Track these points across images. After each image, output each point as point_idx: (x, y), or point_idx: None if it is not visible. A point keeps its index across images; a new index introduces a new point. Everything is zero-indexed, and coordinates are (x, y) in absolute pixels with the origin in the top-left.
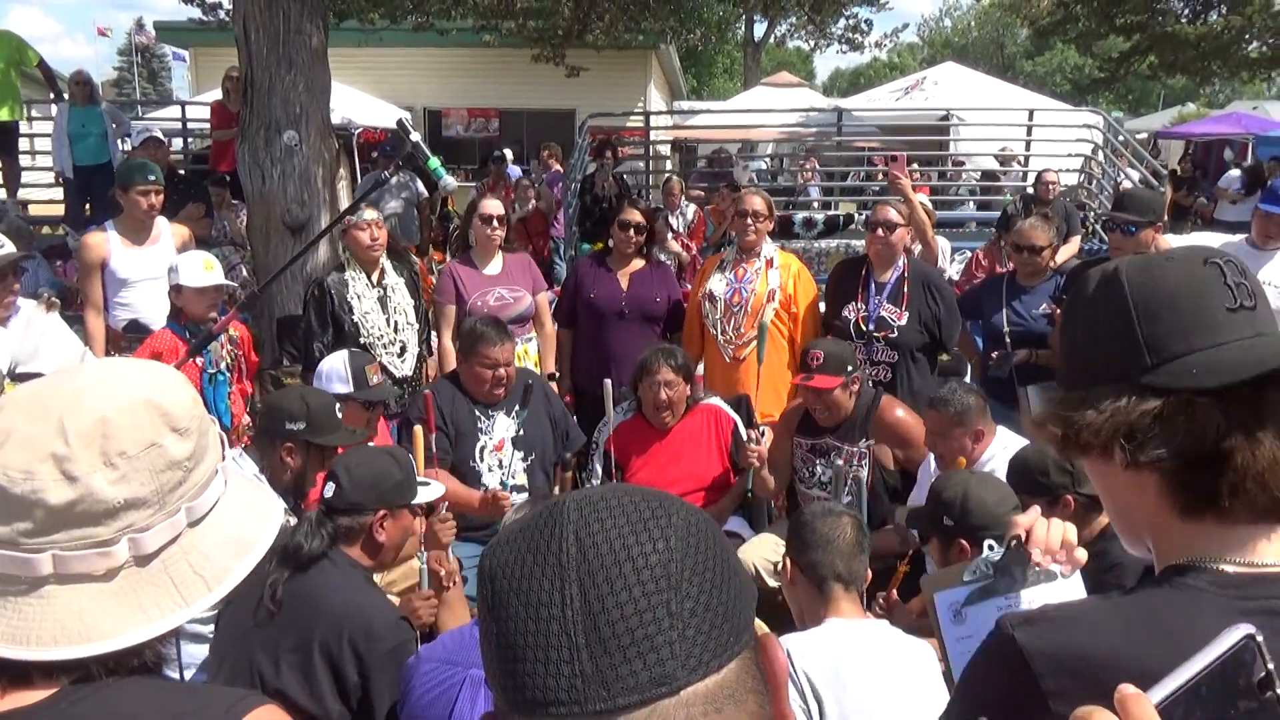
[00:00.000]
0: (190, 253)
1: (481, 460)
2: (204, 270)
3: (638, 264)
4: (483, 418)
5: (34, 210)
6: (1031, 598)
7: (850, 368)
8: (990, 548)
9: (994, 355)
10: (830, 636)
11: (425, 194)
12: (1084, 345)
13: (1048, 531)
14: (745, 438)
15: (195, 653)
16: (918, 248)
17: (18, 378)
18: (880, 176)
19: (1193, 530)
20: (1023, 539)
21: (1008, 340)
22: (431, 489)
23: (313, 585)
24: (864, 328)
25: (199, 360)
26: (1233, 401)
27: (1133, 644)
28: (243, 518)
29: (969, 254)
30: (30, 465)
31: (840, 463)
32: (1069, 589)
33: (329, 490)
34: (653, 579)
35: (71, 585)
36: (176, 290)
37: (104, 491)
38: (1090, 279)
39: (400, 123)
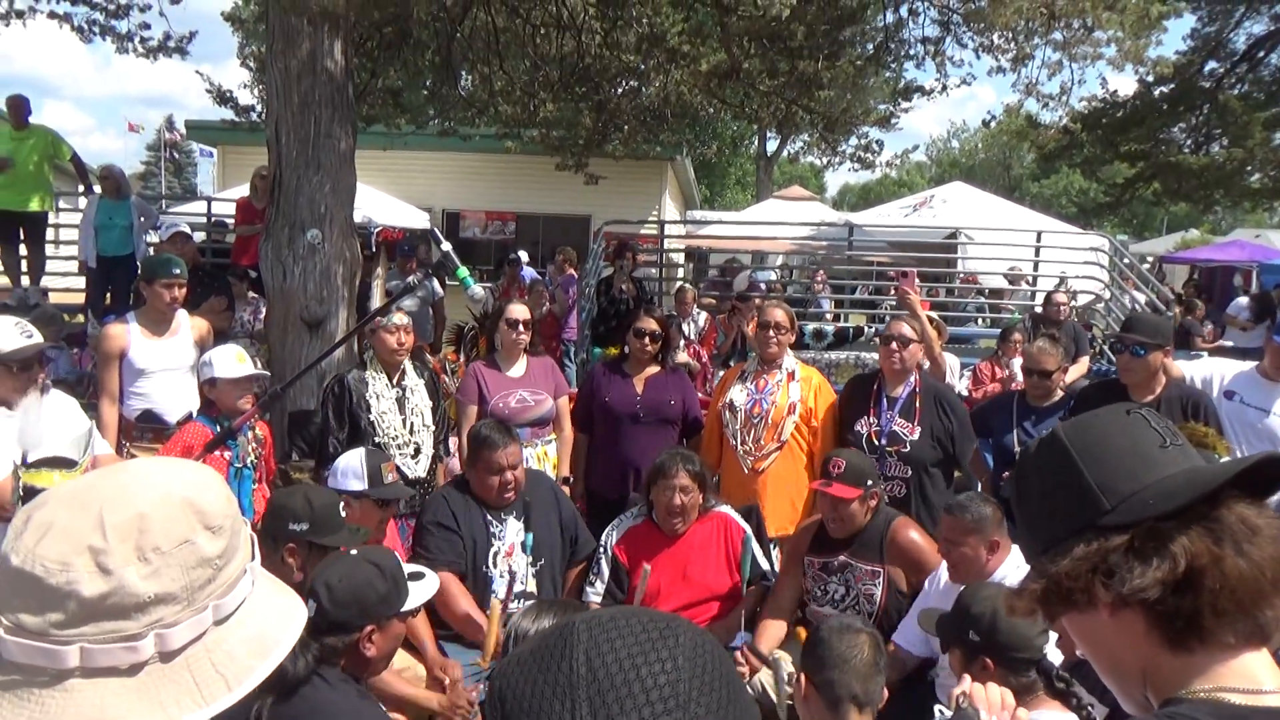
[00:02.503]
0: (221, 347)
1: (494, 566)
2: (237, 362)
3: (653, 369)
4: (494, 523)
5: (54, 298)
6: None
7: (870, 482)
8: (941, 713)
9: (1005, 475)
10: None
11: (440, 293)
12: (1039, 510)
13: (987, 692)
14: (755, 550)
15: None
16: (926, 364)
17: (32, 466)
18: (891, 291)
19: (1184, 663)
20: (969, 698)
21: (1018, 459)
22: (426, 584)
23: (300, 708)
24: (876, 442)
25: (226, 454)
26: (1191, 523)
27: None
28: (266, 618)
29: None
30: (67, 557)
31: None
32: None
33: (310, 609)
34: (661, 699)
35: (95, 679)
36: (211, 384)
37: (136, 585)
38: (1028, 451)
39: (433, 231)
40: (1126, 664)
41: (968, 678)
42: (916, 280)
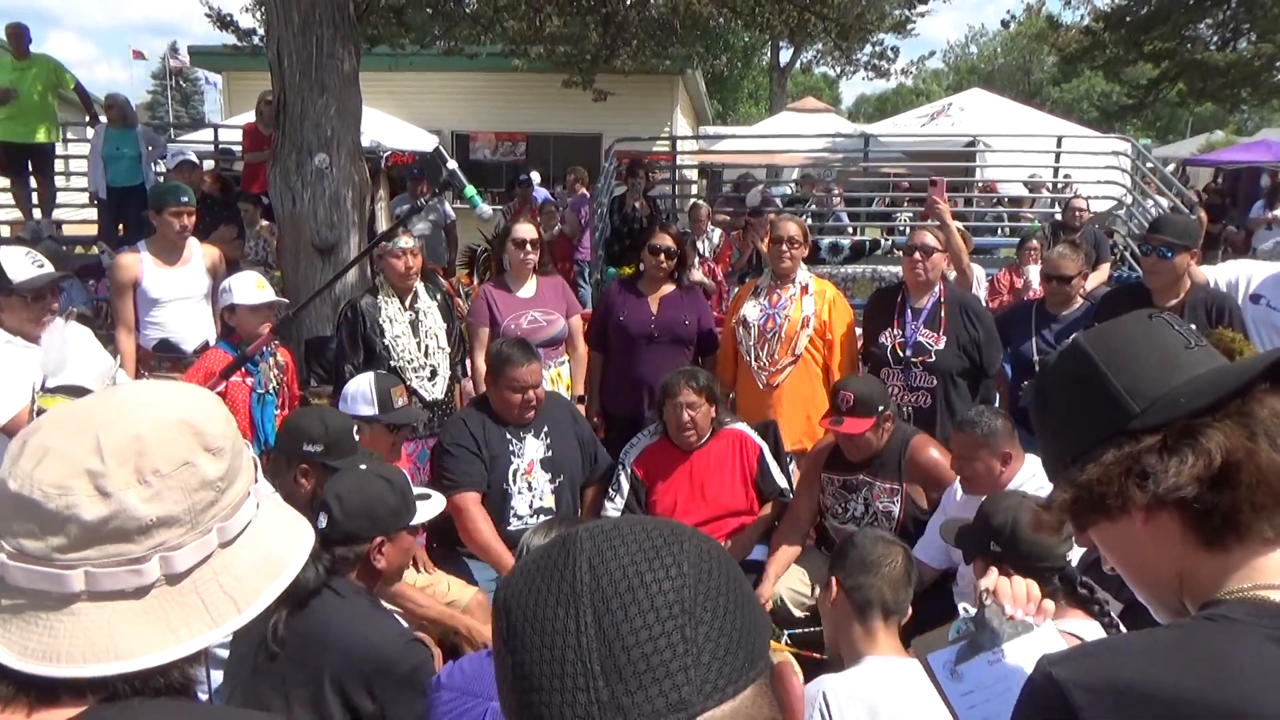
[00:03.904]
0: (241, 274)
1: (514, 483)
2: (256, 289)
3: (668, 288)
4: (514, 440)
5: (68, 230)
6: (1014, 648)
7: (881, 407)
8: (965, 610)
9: (1024, 384)
10: (869, 676)
11: (452, 216)
12: (1064, 422)
13: (1012, 587)
14: (771, 465)
15: (221, 679)
16: (953, 274)
17: (49, 391)
18: (906, 203)
19: (1222, 563)
20: (994, 594)
21: (1037, 368)
22: (432, 503)
23: (315, 619)
24: (901, 353)
25: (249, 380)
26: (1224, 419)
27: (1169, 673)
28: (274, 540)
29: None
30: (65, 480)
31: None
32: (1045, 638)
33: (321, 521)
34: (666, 605)
35: (102, 603)
36: (230, 310)
37: (137, 508)
38: (1049, 363)
39: (437, 150)
40: (1161, 571)
41: (994, 571)
42: (945, 189)
